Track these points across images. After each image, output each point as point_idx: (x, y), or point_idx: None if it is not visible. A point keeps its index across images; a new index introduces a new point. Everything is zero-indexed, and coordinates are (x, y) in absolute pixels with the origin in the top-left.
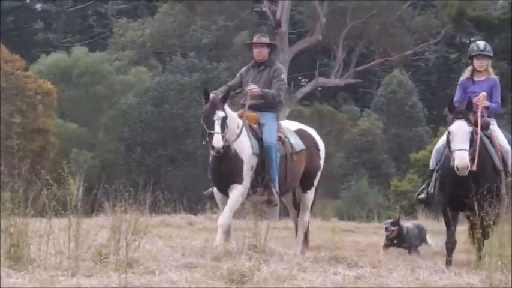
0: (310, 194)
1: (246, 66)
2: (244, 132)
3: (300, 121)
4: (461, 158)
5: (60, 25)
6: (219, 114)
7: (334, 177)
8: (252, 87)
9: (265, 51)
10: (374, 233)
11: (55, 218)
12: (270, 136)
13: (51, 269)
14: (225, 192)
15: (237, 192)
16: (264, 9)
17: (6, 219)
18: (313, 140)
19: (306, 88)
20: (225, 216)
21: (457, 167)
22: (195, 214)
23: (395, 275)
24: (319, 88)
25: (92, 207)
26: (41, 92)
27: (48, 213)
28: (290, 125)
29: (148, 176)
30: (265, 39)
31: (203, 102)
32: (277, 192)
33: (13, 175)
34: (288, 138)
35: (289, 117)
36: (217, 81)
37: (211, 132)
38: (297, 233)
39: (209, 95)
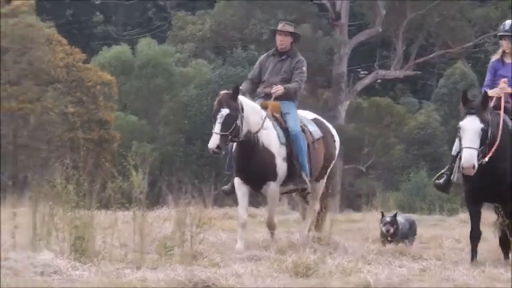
0: (322, 184)
1: (266, 54)
2: (269, 123)
3: (359, 114)
4: (468, 158)
5: (119, 18)
6: (222, 112)
7: (394, 169)
8: (277, 89)
9: (288, 40)
10: (436, 225)
11: (119, 210)
12: (295, 124)
13: (116, 262)
14: (255, 189)
15: (274, 189)
16: (323, 1)
17: (72, 212)
18: (329, 129)
19: (366, 80)
20: (270, 218)
21: (462, 166)
22: (256, 207)
23: (460, 268)
24: (379, 80)
25: (155, 200)
26: (101, 83)
27: (113, 206)
28: (306, 115)
29: (207, 168)
30: (290, 28)
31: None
32: (309, 179)
33: (78, 167)
34: (307, 127)
35: (348, 110)
36: None
37: (212, 131)
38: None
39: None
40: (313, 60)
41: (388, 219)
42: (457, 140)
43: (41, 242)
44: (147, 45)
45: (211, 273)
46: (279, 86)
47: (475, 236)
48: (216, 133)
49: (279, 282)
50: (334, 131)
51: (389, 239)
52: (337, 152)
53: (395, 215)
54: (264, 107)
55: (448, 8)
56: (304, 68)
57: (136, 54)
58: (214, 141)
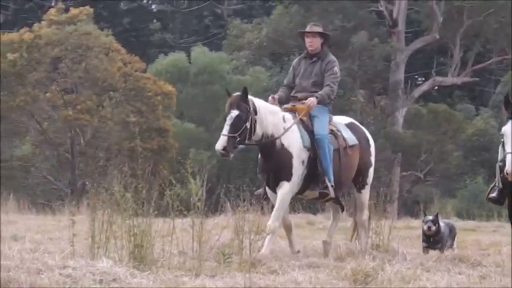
0: (366, 193)
1: (298, 57)
2: (294, 126)
3: (417, 120)
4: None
5: (176, 25)
6: (232, 114)
7: (451, 176)
8: (310, 102)
9: (317, 41)
10: (495, 232)
11: (177, 218)
12: (321, 128)
13: (174, 270)
14: (273, 189)
15: (285, 190)
16: (380, 8)
17: (130, 220)
18: (365, 134)
19: (423, 87)
20: (273, 219)
21: (506, 172)
22: (314, 214)
23: None
24: (436, 87)
25: (213, 207)
26: (160, 93)
27: (171, 213)
28: (341, 120)
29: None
30: (318, 29)
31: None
32: (332, 185)
33: (136, 176)
34: (341, 132)
35: (405, 117)
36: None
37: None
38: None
39: (230, 94)
40: (370, 67)
41: (430, 218)
42: (500, 147)
43: (100, 249)
44: (201, 52)
45: (270, 281)
46: (311, 98)
47: None
48: (223, 135)
49: None
50: (369, 136)
51: (431, 240)
52: (373, 158)
53: (436, 215)
54: (292, 110)
55: (506, 15)
56: (336, 69)
57: (192, 62)
58: (221, 143)
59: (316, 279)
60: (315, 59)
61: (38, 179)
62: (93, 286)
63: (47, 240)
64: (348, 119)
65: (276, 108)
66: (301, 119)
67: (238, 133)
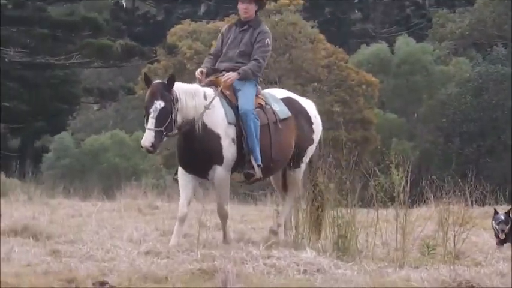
0: (298, 173)
1: (228, 24)
2: (217, 101)
3: None
4: None
5: (377, 16)
6: (156, 105)
7: None
8: (227, 77)
9: (252, 8)
10: None
11: (381, 209)
12: (245, 102)
13: (378, 260)
14: (202, 176)
15: (220, 175)
16: None
17: (334, 211)
18: (304, 110)
19: None
20: (220, 207)
21: None
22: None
23: None
24: None
25: (417, 198)
26: (364, 83)
27: (374, 204)
28: (277, 93)
29: (467, 166)
30: None
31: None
32: (259, 165)
33: (340, 166)
34: (270, 105)
35: None
36: None
37: (146, 127)
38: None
39: (150, 82)
40: None
41: (502, 217)
42: None
43: (303, 240)
44: (405, 42)
45: (475, 273)
46: (230, 73)
47: None
48: (150, 129)
49: None
50: (312, 113)
51: (502, 237)
52: (316, 136)
53: (508, 212)
54: (214, 84)
55: None
56: (267, 41)
57: (394, 52)
58: (148, 139)
59: None
60: (245, 26)
61: None
62: (298, 276)
63: (250, 230)
64: (285, 93)
65: (196, 87)
66: (224, 94)
67: (164, 126)
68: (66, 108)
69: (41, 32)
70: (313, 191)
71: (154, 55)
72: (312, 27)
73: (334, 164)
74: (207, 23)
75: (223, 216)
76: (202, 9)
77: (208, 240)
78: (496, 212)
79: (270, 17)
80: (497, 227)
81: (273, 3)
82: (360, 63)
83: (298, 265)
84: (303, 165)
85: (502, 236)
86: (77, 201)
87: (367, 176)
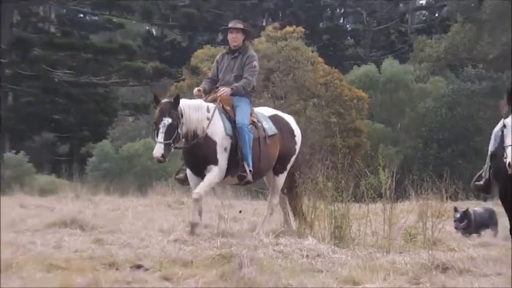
0: (281, 178)
1: (221, 53)
2: (217, 115)
3: None
4: None
5: (367, 42)
6: (164, 121)
7: None
8: (223, 91)
9: (240, 37)
10: None
11: (370, 203)
12: (242, 117)
13: (368, 247)
14: (200, 175)
15: (213, 173)
16: None
17: (331, 205)
18: (288, 125)
19: None
20: (200, 189)
21: (508, 163)
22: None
23: None
24: None
25: (400, 195)
26: (355, 98)
27: (365, 199)
28: (265, 111)
29: (443, 168)
30: (241, 25)
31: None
32: (250, 170)
33: (336, 168)
34: (261, 123)
35: None
36: (504, 88)
37: (156, 140)
38: (284, 215)
39: (159, 101)
40: None
41: (458, 215)
42: (492, 138)
43: (306, 230)
44: (390, 64)
45: (450, 257)
46: (225, 88)
47: None
48: (160, 142)
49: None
50: (294, 127)
51: (462, 232)
52: (297, 147)
53: (466, 210)
54: (215, 100)
55: None
56: (255, 63)
57: (381, 72)
58: (159, 151)
59: (489, 256)
60: (236, 54)
61: None
62: (301, 260)
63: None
64: (272, 111)
65: (200, 102)
66: (225, 109)
67: (172, 139)
68: (106, 120)
69: (85, 57)
70: (294, 182)
71: (180, 75)
72: (312, 52)
73: (331, 166)
74: (224, 48)
75: (197, 201)
76: (220, 37)
77: (226, 230)
78: (455, 210)
79: (277, 43)
80: (454, 224)
81: (279, 31)
82: (353, 82)
83: (301, 251)
84: (286, 172)
85: (459, 232)
86: (116, 198)
87: (359, 176)
